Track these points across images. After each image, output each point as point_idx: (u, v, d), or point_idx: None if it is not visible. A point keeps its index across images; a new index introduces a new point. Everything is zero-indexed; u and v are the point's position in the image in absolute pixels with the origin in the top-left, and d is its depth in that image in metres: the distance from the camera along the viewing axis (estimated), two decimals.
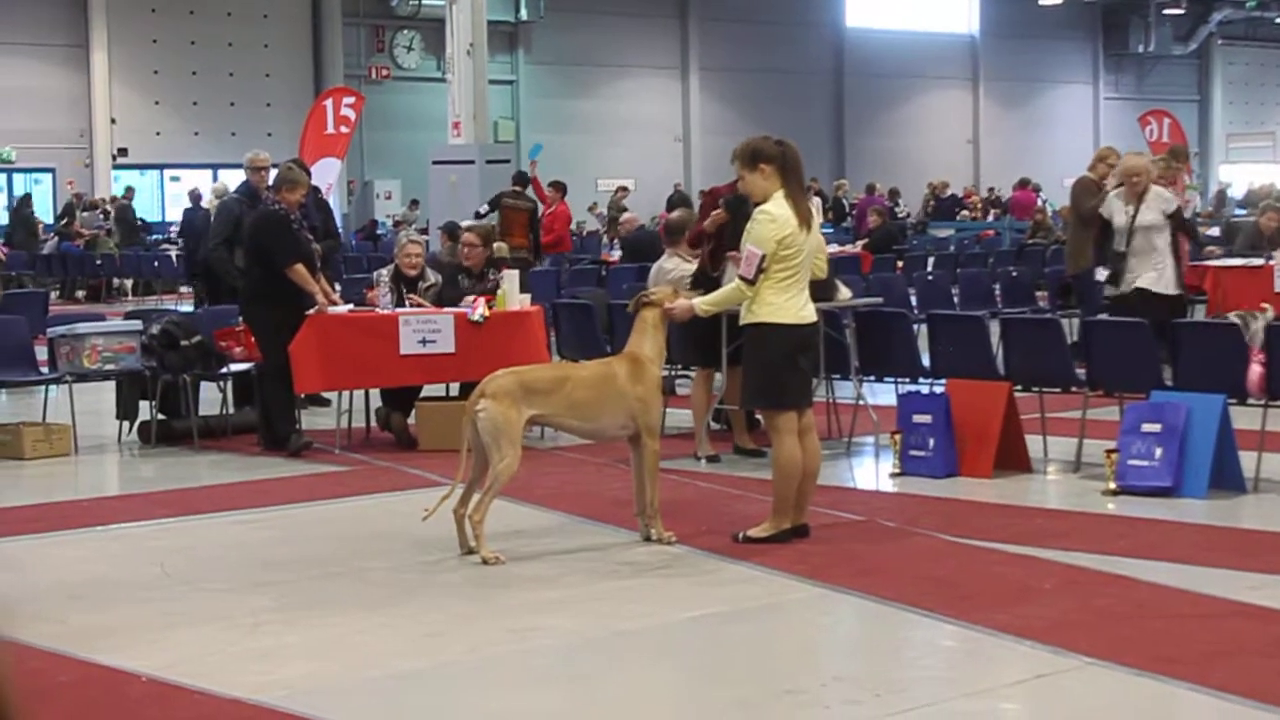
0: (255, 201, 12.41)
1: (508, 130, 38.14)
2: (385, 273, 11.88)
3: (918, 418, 9.97)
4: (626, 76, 42.43)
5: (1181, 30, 51.83)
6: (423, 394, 11.69)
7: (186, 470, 10.91)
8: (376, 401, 11.92)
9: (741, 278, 7.99)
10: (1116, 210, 11.61)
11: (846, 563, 7.68)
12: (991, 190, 39.68)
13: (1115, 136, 37.73)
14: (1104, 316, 11.23)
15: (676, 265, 11.35)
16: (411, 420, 11.54)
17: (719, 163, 11.44)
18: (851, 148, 45.97)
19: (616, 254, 22.00)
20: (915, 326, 11.42)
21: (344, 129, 24.67)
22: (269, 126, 35.22)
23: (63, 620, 6.86)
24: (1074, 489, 9.58)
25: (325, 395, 12.64)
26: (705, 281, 10.40)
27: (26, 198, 32.15)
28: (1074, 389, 10.44)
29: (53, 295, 23.95)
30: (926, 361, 10.98)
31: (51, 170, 35.03)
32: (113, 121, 35.16)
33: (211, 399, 12.41)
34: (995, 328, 10.97)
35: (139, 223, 31.44)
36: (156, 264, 27.18)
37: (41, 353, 12.12)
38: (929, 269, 20.89)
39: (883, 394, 11.89)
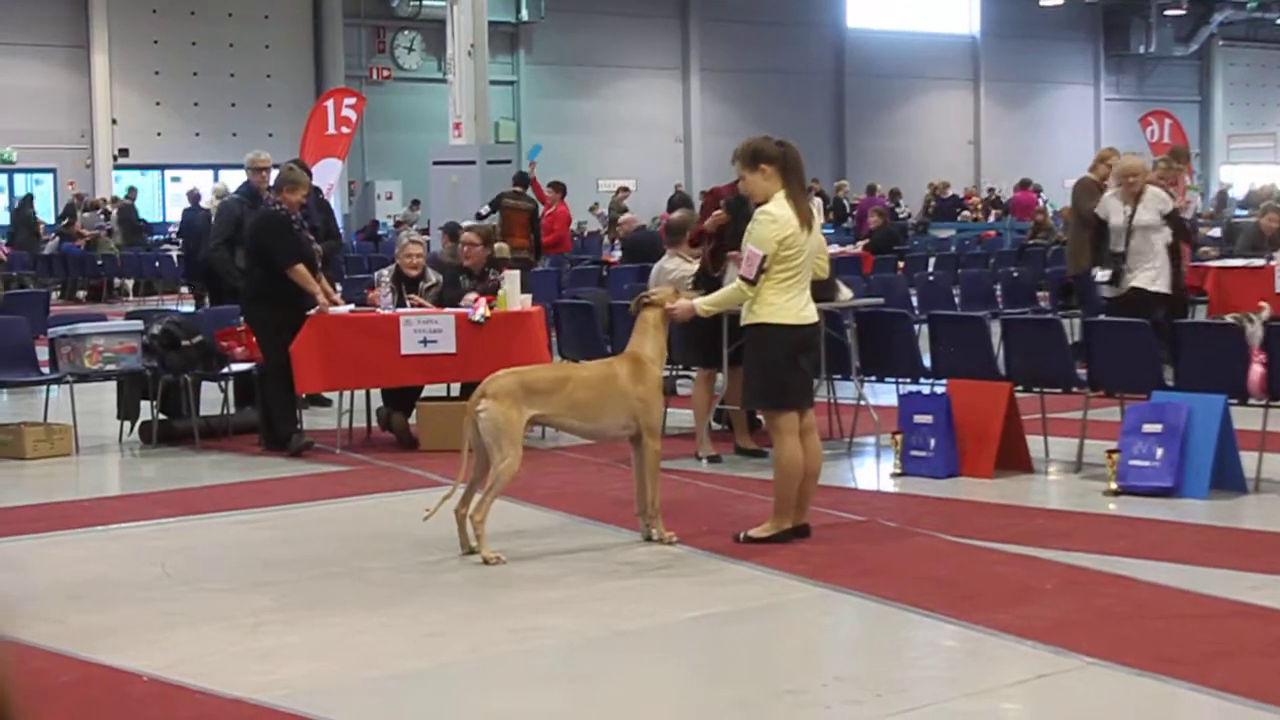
0: (256, 202, 12.41)
1: (509, 131, 38.16)
2: (386, 273, 11.88)
3: (919, 418, 9.97)
4: (627, 77, 42.43)
5: (1182, 31, 51.83)
6: (424, 394, 11.69)
7: (187, 470, 10.92)
8: (377, 401, 11.93)
9: (742, 278, 7.99)
10: (1113, 210, 11.60)
11: (847, 563, 7.68)
12: (991, 191, 39.69)
13: (1116, 137, 37.76)
14: (1103, 317, 11.22)
15: (678, 266, 11.36)
16: (412, 420, 11.54)
17: (720, 163, 11.45)
18: (852, 148, 45.97)
19: (617, 254, 22.01)
20: (916, 327, 11.42)
21: (345, 130, 24.69)
22: (270, 127, 35.23)
23: (63, 620, 6.86)
24: (1075, 489, 9.58)
25: (326, 395, 12.63)
26: (707, 282, 10.40)
27: (28, 198, 32.16)
28: (1075, 389, 10.44)
29: (54, 295, 23.96)
30: (927, 362, 10.98)
31: (52, 171, 35.04)
32: (114, 122, 35.16)
33: (212, 399, 12.41)
34: (996, 328, 10.97)
35: (141, 223, 31.44)
36: (157, 264, 27.18)
37: (43, 353, 12.12)
38: (930, 269, 20.89)
39: (884, 394, 11.89)
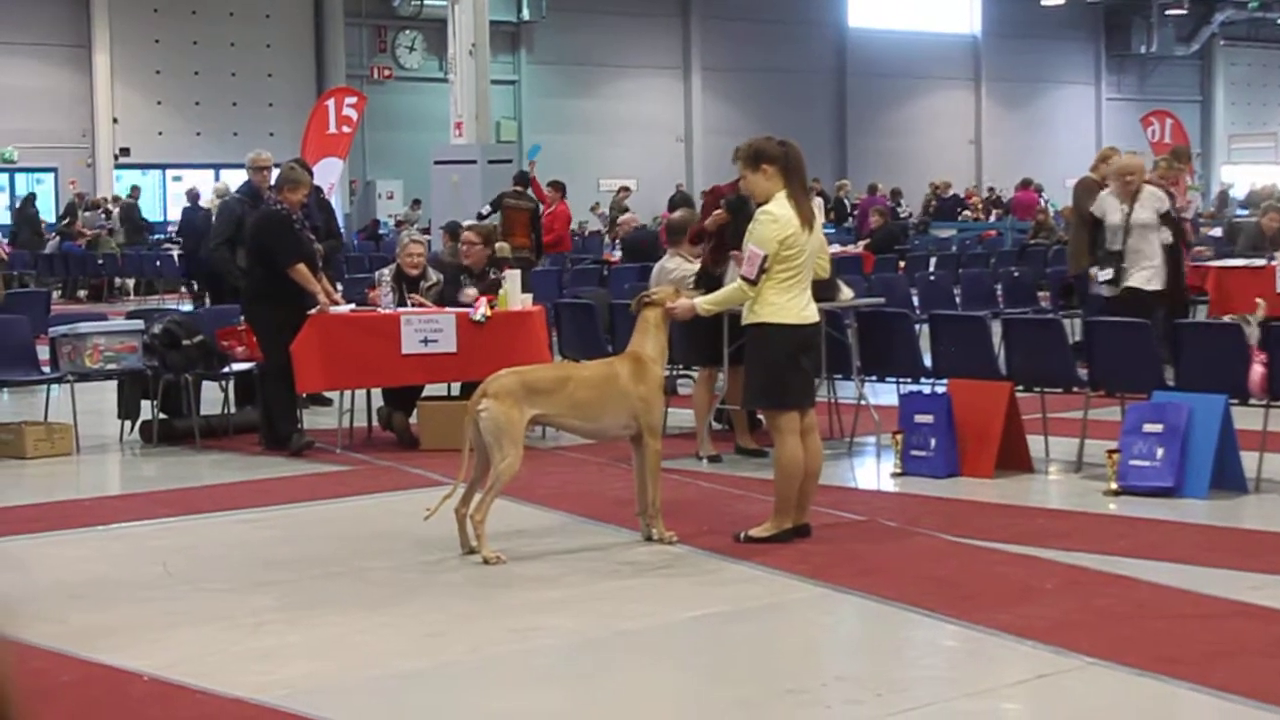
0: (257, 201, 12.41)
1: (510, 130, 38.16)
2: (387, 272, 11.88)
3: (919, 418, 9.98)
4: (628, 76, 42.43)
5: (1184, 31, 51.82)
6: (424, 394, 11.69)
7: (188, 470, 10.92)
8: (378, 401, 11.93)
9: (743, 278, 7.99)
10: (1110, 208, 11.59)
11: (848, 562, 7.68)
12: (992, 190, 39.68)
13: (1117, 137, 37.74)
14: (1105, 317, 11.21)
15: (679, 265, 11.36)
16: (413, 420, 11.54)
17: (721, 163, 11.46)
18: (853, 148, 45.96)
19: (618, 254, 22.01)
20: (917, 326, 11.41)
21: (346, 129, 24.72)
22: (271, 126, 35.23)
23: (64, 620, 6.86)
24: (1075, 489, 9.58)
25: (327, 395, 12.63)
26: (708, 281, 10.40)
27: (31, 197, 32.16)
28: (1075, 389, 10.44)
29: (54, 295, 23.96)
30: (928, 361, 10.98)
31: (54, 170, 35.04)
32: (115, 121, 35.17)
33: (213, 398, 12.42)
34: (997, 328, 10.97)
35: (144, 223, 31.46)
36: (158, 263, 27.19)
37: (43, 352, 12.12)
38: (931, 269, 20.89)
39: (884, 394, 11.89)
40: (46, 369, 11.95)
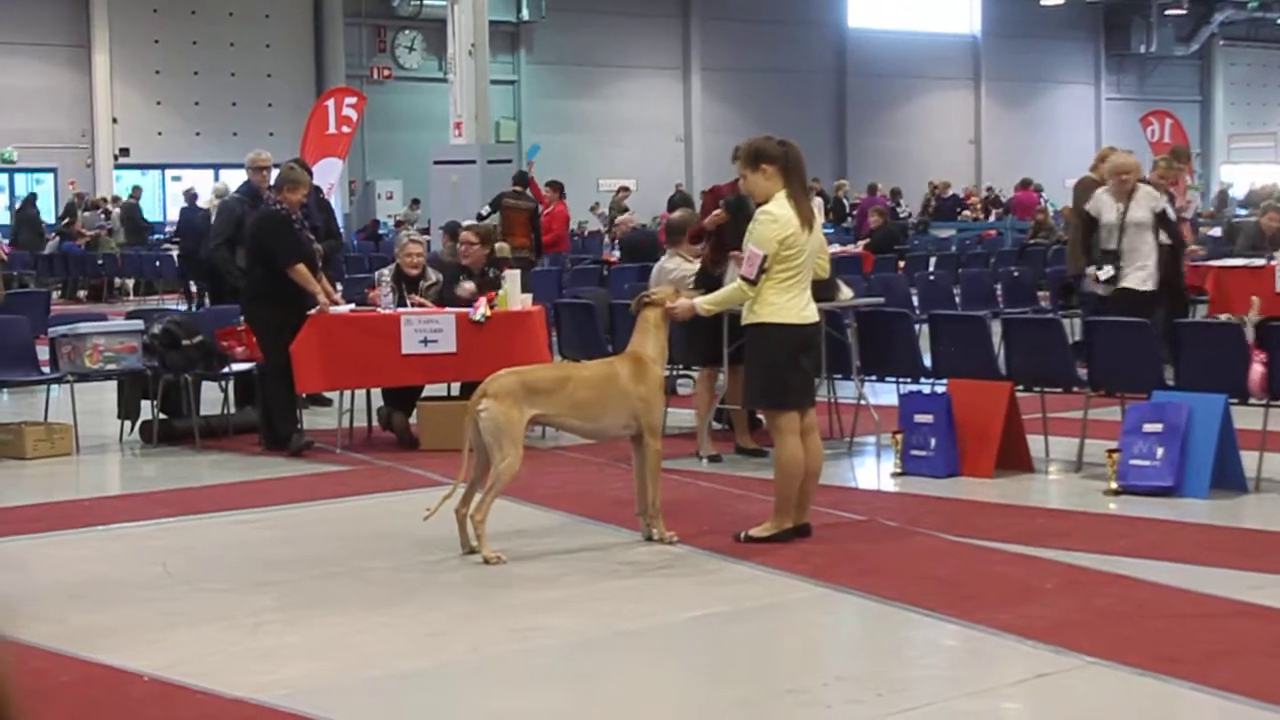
0: (257, 201, 12.41)
1: (509, 130, 38.16)
2: (387, 272, 11.88)
3: (919, 417, 9.97)
4: (628, 76, 42.43)
5: (1183, 31, 51.82)
6: (424, 394, 11.69)
7: (188, 470, 10.92)
8: (378, 401, 11.93)
9: (743, 278, 7.99)
10: (1105, 206, 11.58)
11: (848, 562, 7.68)
12: (991, 190, 39.68)
13: (1117, 137, 37.73)
14: (1107, 317, 11.21)
15: (678, 265, 11.36)
16: (413, 420, 11.53)
17: (721, 162, 11.46)
18: (853, 148, 45.97)
19: (617, 254, 22.01)
20: (917, 326, 11.41)
21: (345, 129, 24.70)
22: (270, 126, 35.23)
23: (64, 620, 6.85)
24: (1075, 489, 9.58)
25: (327, 395, 12.63)
26: (708, 281, 10.40)
27: (31, 197, 32.15)
28: (1075, 389, 10.44)
29: (54, 295, 23.95)
30: (928, 361, 10.98)
31: (53, 170, 35.04)
32: (114, 121, 35.17)
33: (213, 399, 12.41)
34: (997, 328, 10.97)
35: (145, 223, 31.46)
36: (158, 264, 27.19)
37: (43, 352, 12.12)
38: (930, 269, 20.89)
39: (884, 394, 11.89)
40: (46, 369, 11.95)
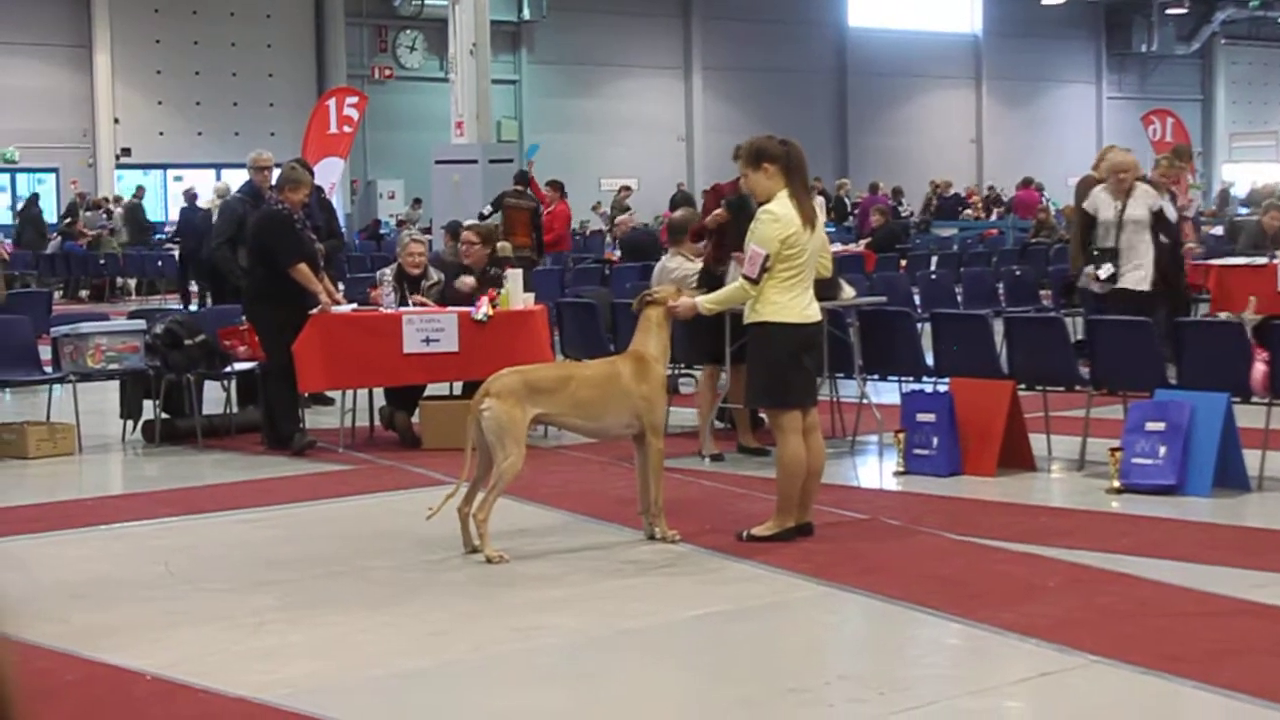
0: (259, 201, 12.41)
1: (511, 130, 38.16)
2: (388, 272, 11.88)
3: (921, 416, 9.97)
4: (629, 76, 42.43)
5: (1184, 30, 51.80)
6: (426, 393, 11.69)
7: (190, 469, 10.92)
8: (380, 400, 11.93)
9: (745, 277, 7.99)
10: (1103, 204, 11.57)
11: (850, 561, 7.68)
12: (992, 189, 39.67)
13: (1118, 136, 37.70)
14: (1108, 316, 11.20)
15: (680, 264, 11.36)
16: (415, 419, 11.53)
17: (722, 162, 11.45)
18: (854, 147, 45.97)
19: (618, 253, 22.02)
20: (919, 325, 11.41)
21: (347, 129, 24.70)
22: (272, 126, 35.23)
23: (66, 619, 6.85)
24: (1078, 487, 9.58)
25: (329, 394, 12.63)
26: (710, 280, 10.40)
27: (35, 197, 32.16)
28: (1078, 387, 10.43)
29: (56, 295, 23.97)
30: (930, 360, 10.97)
31: (55, 170, 35.04)
32: (116, 121, 35.17)
33: (215, 398, 12.42)
34: (999, 326, 10.97)
35: (148, 223, 31.47)
36: (160, 263, 27.20)
37: (45, 352, 12.12)
38: (932, 268, 20.88)
39: (886, 393, 11.87)
40: (49, 369, 11.95)
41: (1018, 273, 17.63)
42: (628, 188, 34.09)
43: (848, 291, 10.94)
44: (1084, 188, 13.93)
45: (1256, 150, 50.99)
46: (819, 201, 8.59)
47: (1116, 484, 9.18)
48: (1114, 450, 9.23)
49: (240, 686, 5.85)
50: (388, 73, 38.60)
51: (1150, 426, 9.16)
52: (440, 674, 6.09)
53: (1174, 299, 12.17)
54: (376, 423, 11.91)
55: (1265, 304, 11.15)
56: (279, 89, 36.85)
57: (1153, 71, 52.70)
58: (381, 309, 11.47)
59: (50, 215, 32.80)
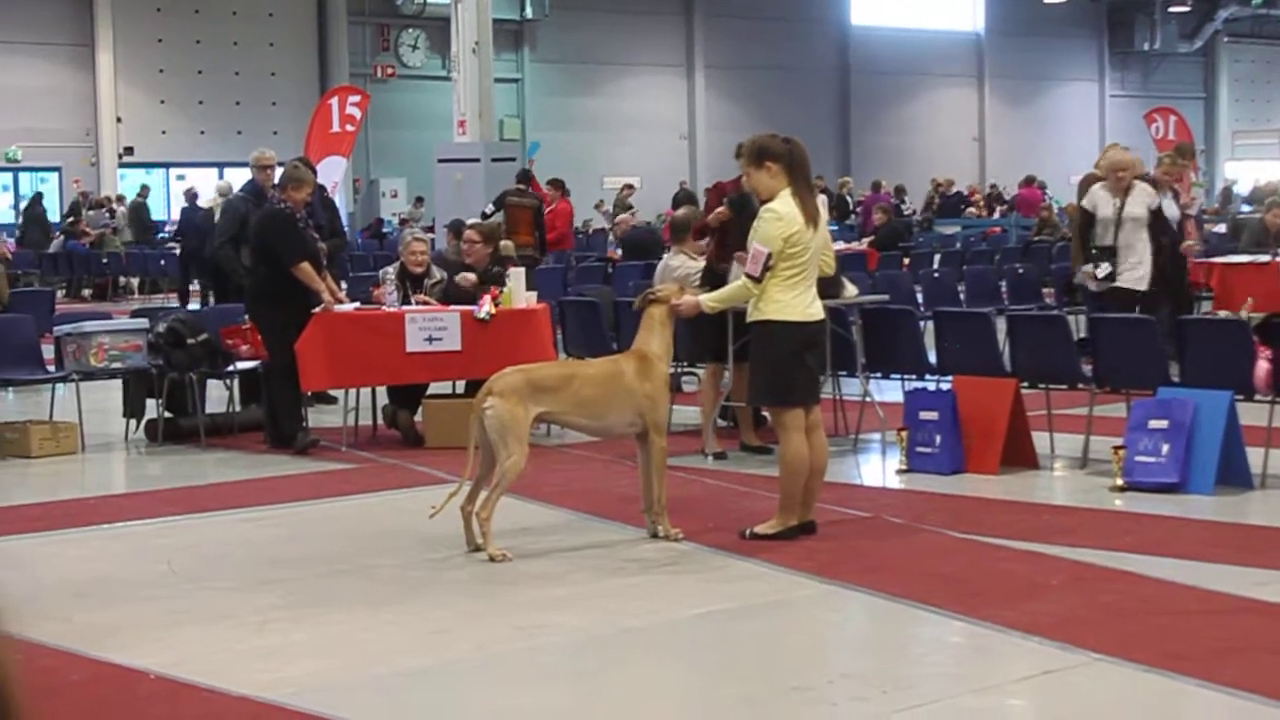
0: (261, 200, 12.42)
1: (513, 128, 38.17)
2: (391, 270, 11.88)
3: (924, 414, 9.97)
4: (632, 74, 42.43)
5: (1187, 28, 51.77)
6: (429, 391, 11.69)
7: (193, 468, 10.92)
8: (383, 399, 11.93)
9: (748, 275, 7.99)
10: (1102, 202, 11.56)
11: (853, 559, 7.68)
12: (994, 187, 39.66)
13: (1121, 134, 37.69)
14: (1111, 314, 11.20)
15: (682, 262, 11.36)
16: (418, 418, 11.54)
17: (724, 160, 11.44)
18: (857, 145, 45.95)
19: (621, 251, 22.00)
20: (921, 323, 11.41)
21: (349, 127, 24.71)
22: (274, 125, 35.22)
23: (69, 618, 6.86)
24: (1081, 485, 9.57)
25: (332, 393, 12.63)
26: (713, 278, 10.40)
27: (38, 196, 32.17)
28: (1080, 385, 10.43)
29: (59, 294, 23.97)
30: (933, 358, 10.97)
31: (58, 169, 35.05)
32: (118, 120, 35.19)
33: (218, 397, 12.42)
34: (1002, 324, 10.98)
35: (152, 222, 31.48)
36: (163, 262, 27.21)
37: (48, 351, 12.13)
38: (935, 266, 20.87)
39: (889, 391, 11.87)
40: (51, 368, 11.96)
41: (1020, 271, 17.63)
42: (630, 186, 34.09)
43: (850, 290, 10.94)
44: (1086, 186, 13.94)
45: (1259, 148, 50.92)
46: (822, 200, 8.57)
47: (1119, 482, 9.17)
48: (1117, 448, 9.23)
49: (243, 685, 5.85)
50: (390, 71, 38.60)
51: (1153, 424, 9.16)
52: (443, 672, 6.09)
53: (1174, 297, 12.16)
54: (379, 421, 11.91)
55: (1267, 301, 11.13)
56: (281, 88, 36.86)
57: (1155, 69, 52.67)
58: (384, 308, 11.47)
59: (53, 214, 32.82)
